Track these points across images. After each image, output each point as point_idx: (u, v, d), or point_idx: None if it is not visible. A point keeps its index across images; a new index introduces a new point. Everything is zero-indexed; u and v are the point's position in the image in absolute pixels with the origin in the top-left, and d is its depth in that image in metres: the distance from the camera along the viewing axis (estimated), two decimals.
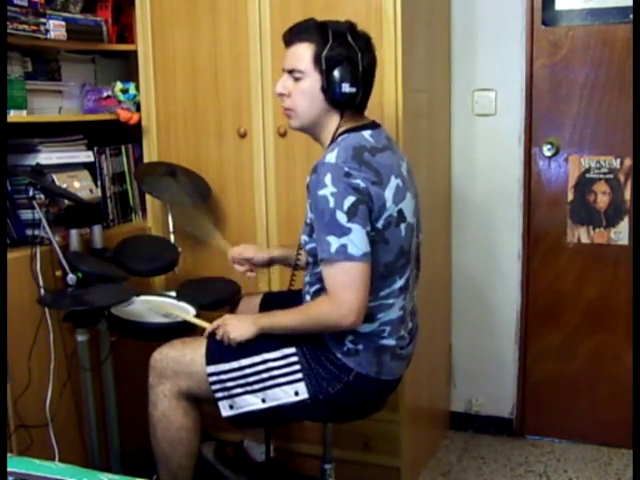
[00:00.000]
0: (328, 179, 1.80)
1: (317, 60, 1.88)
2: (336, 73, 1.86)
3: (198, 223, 2.39)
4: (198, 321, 2.16)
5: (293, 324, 1.92)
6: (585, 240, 2.88)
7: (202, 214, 2.42)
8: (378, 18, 2.34)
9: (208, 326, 2.06)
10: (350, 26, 1.92)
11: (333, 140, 1.93)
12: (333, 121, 1.94)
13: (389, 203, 1.85)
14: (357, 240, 1.79)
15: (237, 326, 1.97)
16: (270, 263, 2.29)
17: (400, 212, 1.89)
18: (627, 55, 2.70)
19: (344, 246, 1.79)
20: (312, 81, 1.90)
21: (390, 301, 1.92)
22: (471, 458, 2.91)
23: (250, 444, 2.44)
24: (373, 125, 1.97)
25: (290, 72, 1.93)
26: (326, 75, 1.87)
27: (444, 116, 2.90)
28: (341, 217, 1.79)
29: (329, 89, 1.88)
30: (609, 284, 2.86)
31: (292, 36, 1.94)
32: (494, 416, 3.08)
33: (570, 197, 2.87)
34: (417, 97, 2.57)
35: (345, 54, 1.87)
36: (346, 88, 1.87)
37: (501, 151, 2.89)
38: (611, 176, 2.81)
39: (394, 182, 1.88)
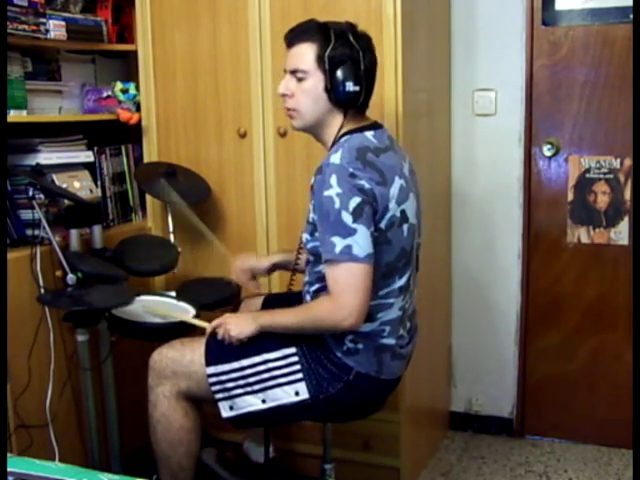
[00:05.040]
0: (334, 180, 1.80)
1: (320, 60, 1.88)
2: (340, 72, 1.87)
3: (198, 221, 2.39)
4: (197, 322, 2.16)
5: (293, 323, 1.92)
6: (585, 240, 2.88)
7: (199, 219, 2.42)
8: (378, 18, 2.34)
9: (208, 326, 2.05)
10: (351, 26, 1.92)
11: (335, 140, 1.93)
12: (336, 121, 1.94)
13: (393, 203, 1.86)
14: (362, 241, 1.79)
15: (237, 324, 1.97)
16: (272, 270, 2.28)
17: (403, 213, 1.89)
18: (627, 55, 2.70)
19: (349, 247, 1.79)
20: (315, 81, 1.90)
21: (390, 300, 1.92)
22: (471, 458, 2.91)
23: (250, 445, 2.45)
24: (375, 126, 1.96)
25: (293, 72, 1.93)
26: (330, 74, 1.87)
27: (444, 116, 2.90)
28: (346, 218, 1.79)
29: (333, 88, 1.88)
30: (609, 284, 2.86)
31: (294, 37, 1.94)
32: (494, 416, 3.08)
33: (570, 197, 2.87)
34: (417, 97, 2.57)
35: (348, 53, 1.87)
36: (350, 87, 1.87)
37: (501, 151, 2.89)
38: (611, 176, 2.81)
39: (398, 182, 1.88)
